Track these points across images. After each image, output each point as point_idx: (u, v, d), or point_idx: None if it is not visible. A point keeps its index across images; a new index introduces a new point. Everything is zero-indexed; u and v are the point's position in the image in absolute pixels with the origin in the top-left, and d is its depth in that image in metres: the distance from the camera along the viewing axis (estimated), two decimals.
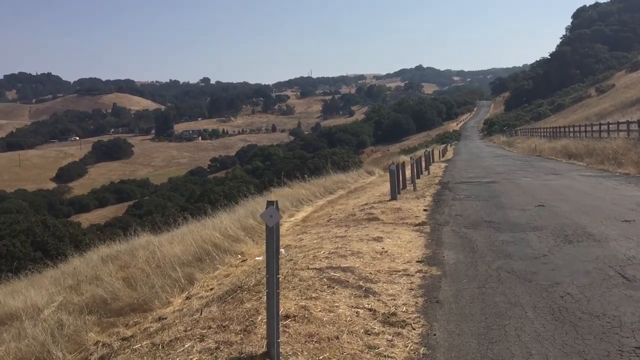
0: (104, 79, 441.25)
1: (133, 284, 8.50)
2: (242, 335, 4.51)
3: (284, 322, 4.71)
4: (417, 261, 7.54)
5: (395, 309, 5.44)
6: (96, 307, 7.71)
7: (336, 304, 5.42)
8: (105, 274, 9.32)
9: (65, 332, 6.43)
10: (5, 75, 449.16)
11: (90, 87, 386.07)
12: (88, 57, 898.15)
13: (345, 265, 6.97)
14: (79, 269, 10.86)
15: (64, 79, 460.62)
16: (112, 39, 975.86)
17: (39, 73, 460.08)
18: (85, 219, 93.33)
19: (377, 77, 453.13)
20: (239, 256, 10.01)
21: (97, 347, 5.89)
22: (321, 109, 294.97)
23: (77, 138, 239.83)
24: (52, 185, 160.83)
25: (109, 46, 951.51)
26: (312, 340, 4.47)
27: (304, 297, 5.56)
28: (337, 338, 4.55)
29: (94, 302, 7.97)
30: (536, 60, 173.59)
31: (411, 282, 6.47)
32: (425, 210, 12.68)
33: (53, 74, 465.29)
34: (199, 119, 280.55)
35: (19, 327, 7.15)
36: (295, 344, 4.39)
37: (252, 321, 4.80)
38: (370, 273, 6.75)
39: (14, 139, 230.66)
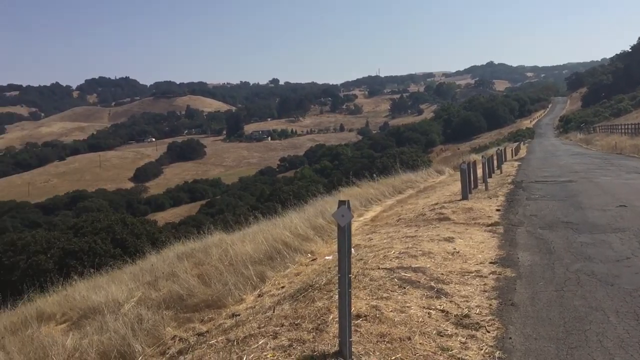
0: (178, 82, 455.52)
1: (207, 281, 8.72)
2: (314, 334, 4.55)
3: (356, 322, 4.71)
4: (491, 262, 7.36)
5: (469, 311, 5.33)
6: (173, 303, 7.96)
7: (407, 305, 5.37)
8: (180, 270, 9.61)
9: (144, 326, 6.68)
10: (86, 80, 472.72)
11: (166, 90, 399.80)
12: (163, 61, 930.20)
13: (416, 266, 6.89)
14: (156, 266, 11.24)
15: (141, 82, 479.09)
16: (186, 43, 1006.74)
17: (117, 77, 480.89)
18: (161, 218, 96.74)
19: (446, 75, 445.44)
20: (309, 255, 10.08)
21: (174, 342, 6.08)
22: (389, 107, 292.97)
23: (153, 139, 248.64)
24: (130, 185, 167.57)
25: (182, 50, 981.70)
26: (384, 341, 4.45)
27: (375, 297, 5.54)
28: (409, 339, 4.51)
29: (170, 298, 8.22)
30: (616, 54, 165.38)
31: (484, 284, 6.32)
32: (498, 210, 12.35)
33: (131, 78, 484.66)
34: (269, 119, 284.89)
35: (101, 321, 7.48)
36: (367, 343, 4.38)
37: (324, 320, 4.83)
38: (442, 274, 6.65)
39: (95, 140, 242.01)
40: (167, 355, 5.65)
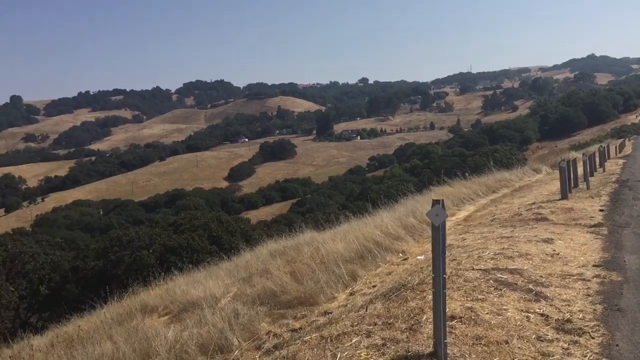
0: (269, 84, 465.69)
1: (299, 279, 8.85)
2: (407, 334, 4.51)
3: (450, 323, 4.62)
4: (594, 265, 6.98)
5: (571, 316, 5.09)
6: (267, 299, 8.15)
7: (504, 307, 5.20)
8: (274, 268, 9.82)
9: (240, 321, 6.88)
10: (184, 84, 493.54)
11: (258, 91, 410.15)
12: (256, 63, 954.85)
13: (513, 267, 6.66)
14: (250, 263, 11.55)
15: (234, 85, 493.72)
16: (277, 45, 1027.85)
17: (213, 80, 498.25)
18: (254, 216, 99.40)
19: (542, 69, 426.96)
20: (400, 254, 10.00)
21: (269, 337, 6.23)
22: (481, 104, 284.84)
23: (246, 140, 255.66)
24: (224, 184, 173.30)
25: (274, 52, 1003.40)
26: (480, 343, 4.33)
27: (469, 299, 5.41)
28: (507, 342, 4.37)
29: (264, 294, 8.42)
30: None
31: (587, 288, 6.01)
32: (601, 210, 11.70)
33: (225, 80, 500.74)
34: (358, 118, 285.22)
35: (200, 314, 7.78)
36: (463, 345, 4.29)
37: (417, 320, 4.78)
38: (541, 276, 6.39)
39: (192, 141, 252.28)
40: (263, 350, 5.79)
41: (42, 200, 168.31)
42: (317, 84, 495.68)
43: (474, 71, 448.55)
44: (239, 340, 6.37)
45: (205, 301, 8.60)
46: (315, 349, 4.60)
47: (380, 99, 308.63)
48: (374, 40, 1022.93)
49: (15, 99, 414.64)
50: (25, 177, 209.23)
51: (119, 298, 11.89)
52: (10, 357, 9.00)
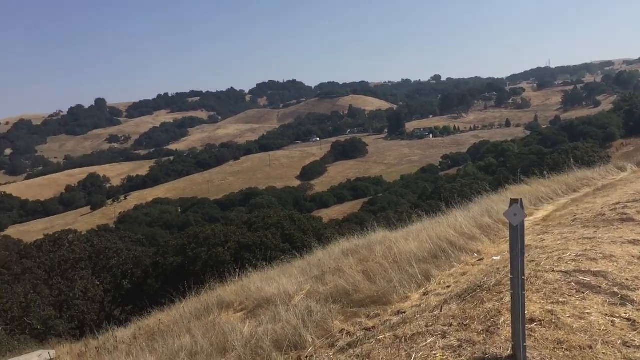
0: (341, 83, 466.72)
1: (372, 277, 8.83)
2: (484, 336, 4.41)
3: (529, 326, 4.48)
4: None
5: None
6: (339, 297, 8.18)
7: (587, 311, 4.99)
8: (346, 266, 9.84)
9: (314, 318, 6.94)
10: (257, 84, 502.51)
11: (329, 91, 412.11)
12: (327, 63, 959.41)
13: (596, 270, 6.37)
14: (322, 261, 11.63)
15: (306, 84, 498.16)
16: (348, 44, 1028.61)
17: (285, 80, 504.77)
18: (325, 214, 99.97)
19: (627, 62, 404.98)
20: (475, 255, 9.78)
21: (342, 335, 6.25)
22: (561, 100, 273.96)
23: (318, 139, 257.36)
24: (296, 183, 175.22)
25: (345, 51, 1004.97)
26: (562, 348, 4.18)
27: (549, 301, 5.22)
28: (591, 348, 4.19)
29: (337, 292, 8.46)
30: None
31: None
32: None
33: (297, 80, 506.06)
34: (430, 116, 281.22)
35: (274, 311, 7.91)
36: (543, 349, 4.15)
37: (494, 322, 4.66)
38: (627, 279, 6.07)
39: (265, 141, 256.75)
40: (336, 348, 5.82)
41: (125, 198, 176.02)
42: (389, 82, 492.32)
43: (553, 65, 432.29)
44: (312, 338, 6.43)
45: (279, 298, 8.73)
46: (390, 349, 4.58)
47: (454, 96, 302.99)
48: (447, 36, 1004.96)
49: (100, 102, 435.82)
50: (109, 176, 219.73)
51: (197, 293, 12.25)
52: (96, 347, 9.48)
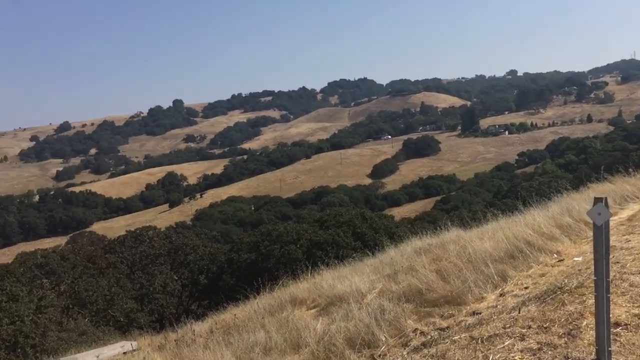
0: (412, 80, 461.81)
1: (445, 277, 8.69)
2: (566, 339, 4.24)
3: (614, 330, 4.28)
4: None
5: None
6: (412, 297, 8.10)
7: None
8: (419, 265, 9.73)
9: (386, 317, 6.91)
10: (329, 83, 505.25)
11: (401, 88, 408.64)
12: (399, 60, 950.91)
13: None
14: (394, 260, 11.54)
15: (377, 82, 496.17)
16: (419, 40, 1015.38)
17: (356, 79, 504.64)
18: (397, 213, 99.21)
19: None
20: (555, 255, 9.43)
21: (416, 335, 6.19)
22: None
23: (389, 137, 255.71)
24: (368, 181, 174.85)
25: (416, 47, 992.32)
26: None
27: (636, 305, 4.96)
28: None
29: (410, 292, 8.37)
30: None
31: None
32: None
33: (368, 78, 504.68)
34: (506, 112, 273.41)
35: (346, 309, 7.93)
36: (629, 355, 3.95)
37: (576, 325, 4.48)
38: None
39: (337, 139, 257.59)
40: (410, 347, 5.77)
41: (201, 196, 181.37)
42: (462, 78, 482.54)
43: (639, 58, 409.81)
44: (385, 336, 6.40)
45: (352, 296, 8.74)
46: (466, 350, 4.49)
47: (531, 91, 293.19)
48: (523, 28, 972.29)
49: (177, 103, 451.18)
50: (186, 174, 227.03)
51: (270, 289, 12.44)
52: (175, 340, 9.81)
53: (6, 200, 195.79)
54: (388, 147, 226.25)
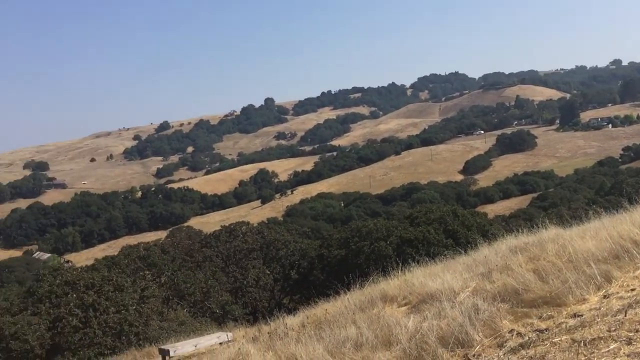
0: (507, 73, 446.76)
1: (544, 277, 8.35)
2: None
3: None
4: None
5: None
6: (507, 296, 7.84)
7: None
8: (514, 264, 9.41)
9: (481, 316, 6.73)
10: (419, 78, 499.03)
11: (494, 81, 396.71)
12: (492, 52, 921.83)
13: None
14: (488, 258, 11.22)
15: (469, 76, 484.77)
16: (514, 31, 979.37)
17: (447, 73, 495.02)
18: (490, 210, 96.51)
19: None
20: None
21: (512, 335, 5.99)
22: None
23: (482, 132, 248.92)
24: (459, 177, 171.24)
25: (511, 39, 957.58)
26: None
27: None
28: None
29: (505, 291, 8.12)
30: None
31: None
32: None
33: (460, 72, 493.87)
34: (609, 105, 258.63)
35: (438, 307, 7.80)
36: None
37: None
38: None
39: (427, 135, 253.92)
40: (506, 348, 5.60)
41: (291, 192, 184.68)
42: (561, 69, 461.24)
43: None
44: (479, 336, 6.25)
45: (444, 294, 8.59)
46: (567, 352, 4.30)
47: (637, 81, 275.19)
48: (628, 14, 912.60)
49: (269, 101, 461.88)
50: (277, 171, 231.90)
51: (360, 286, 12.47)
52: (268, 333, 10.06)
53: (112, 195, 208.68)
54: (480, 143, 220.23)
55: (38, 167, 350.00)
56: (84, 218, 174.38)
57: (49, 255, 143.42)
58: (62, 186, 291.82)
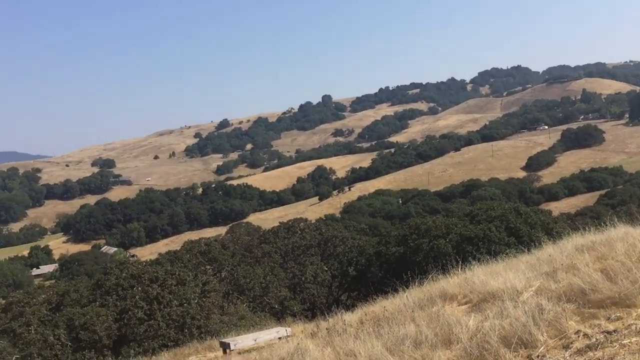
0: (572, 66, 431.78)
1: (612, 277, 8.03)
2: None
3: None
4: None
5: None
6: (573, 296, 7.60)
7: None
8: (581, 263, 9.10)
9: (545, 316, 6.54)
10: (479, 73, 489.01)
11: (559, 75, 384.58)
12: (557, 45, 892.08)
13: None
14: (553, 257, 10.90)
15: (532, 69, 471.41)
16: (580, 23, 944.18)
17: (509, 67, 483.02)
18: (555, 207, 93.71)
19: None
20: None
21: (578, 337, 5.79)
22: None
23: (546, 127, 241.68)
24: (522, 174, 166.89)
25: (576, 32, 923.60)
26: None
27: None
28: None
29: (570, 291, 7.87)
30: None
31: None
32: None
33: (522, 66, 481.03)
34: None
35: (500, 306, 7.63)
36: None
37: None
38: None
39: (487, 131, 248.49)
40: (572, 349, 5.42)
41: (349, 189, 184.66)
42: (631, 61, 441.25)
43: None
44: (544, 337, 6.07)
45: (506, 293, 8.40)
46: (637, 355, 4.13)
47: None
48: None
49: (326, 98, 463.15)
50: (335, 168, 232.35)
51: (419, 283, 12.35)
52: (326, 328, 10.11)
53: (174, 192, 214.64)
54: (544, 138, 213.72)
55: (105, 164, 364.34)
56: (148, 214, 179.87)
57: (115, 249, 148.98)
58: (128, 183, 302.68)
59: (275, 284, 24.73)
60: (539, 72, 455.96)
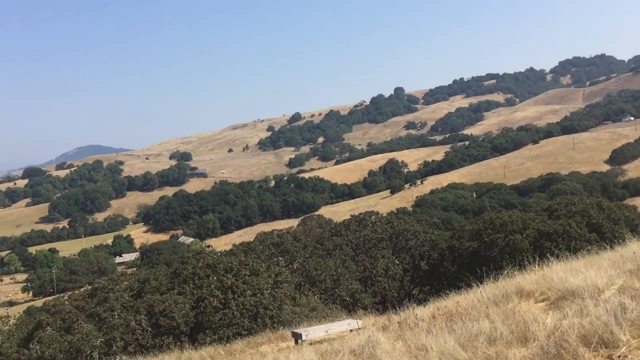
0: None
1: None
2: None
3: None
4: None
5: None
6: None
7: None
8: None
9: (628, 316, 6.25)
10: (560, 62, 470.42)
11: None
12: None
13: None
14: (638, 254, 10.39)
15: (618, 58, 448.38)
16: None
17: (592, 55, 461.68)
18: None
19: None
20: None
21: None
22: None
23: (632, 118, 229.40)
24: (605, 168, 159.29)
25: None
26: None
27: None
28: None
29: None
30: None
31: None
32: None
33: (606, 54, 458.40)
34: None
35: (580, 304, 7.35)
36: None
37: None
38: None
39: (568, 122, 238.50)
40: None
41: (421, 182, 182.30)
42: None
43: None
44: (626, 337, 5.80)
45: (586, 291, 8.07)
46: None
47: None
48: None
49: (398, 91, 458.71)
50: (407, 161, 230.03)
51: (494, 279, 12.08)
52: (398, 322, 10.06)
53: (247, 185, 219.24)
54: (630, 130, 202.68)
55: (182, 157, 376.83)
56: (223, 205, 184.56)
57: (192, 239, 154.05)
58: (204, 175, 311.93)
59: (346, 277, 24.84)
60: (624, 61, 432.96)
